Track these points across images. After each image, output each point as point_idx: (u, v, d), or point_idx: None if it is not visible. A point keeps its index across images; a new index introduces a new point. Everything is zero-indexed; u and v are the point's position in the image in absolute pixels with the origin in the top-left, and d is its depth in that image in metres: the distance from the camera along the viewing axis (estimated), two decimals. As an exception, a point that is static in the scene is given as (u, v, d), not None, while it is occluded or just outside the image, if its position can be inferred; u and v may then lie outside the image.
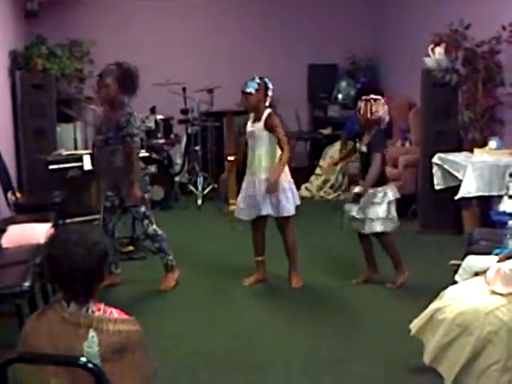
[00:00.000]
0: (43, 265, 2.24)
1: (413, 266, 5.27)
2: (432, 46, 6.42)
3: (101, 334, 2.06)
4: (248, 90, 4.86)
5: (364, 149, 4.94)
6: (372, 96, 4.94)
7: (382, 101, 4.93)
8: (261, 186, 4.92)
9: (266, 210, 4.94)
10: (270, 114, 4.93)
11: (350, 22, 9.35)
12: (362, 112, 4.89)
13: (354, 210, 4.96)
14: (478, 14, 6.26)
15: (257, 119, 4.97)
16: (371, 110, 4.86)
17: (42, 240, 4.54)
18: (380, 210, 4.91)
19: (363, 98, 4.95)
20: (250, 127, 5.03)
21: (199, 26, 9.15)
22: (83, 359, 1.92)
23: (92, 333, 2.06)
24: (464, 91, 6.28)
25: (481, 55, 6.03)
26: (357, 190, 4.89)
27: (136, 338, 2.16)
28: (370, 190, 4.89)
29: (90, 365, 1.90)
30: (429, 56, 6.47)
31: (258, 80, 4.89)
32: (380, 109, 4.88)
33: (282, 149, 4.86)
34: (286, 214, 4.97)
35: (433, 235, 6.32)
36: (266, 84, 4.94)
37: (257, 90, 4.86)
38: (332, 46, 9.23)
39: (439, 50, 6.37)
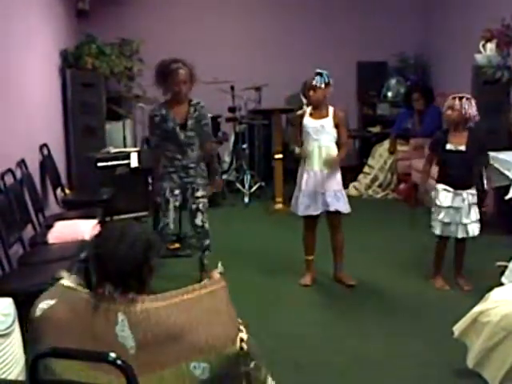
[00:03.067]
0: (92, 265, 2.26)
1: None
2: (483, 42, 6.30)
3: (129, 315, 2.06)
4: (319, 84, 4.83)
5: (462, 148, 4.76)
6: (464, 94, 4.76)
7: (473, 99, 4.75)
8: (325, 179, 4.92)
9: (333, 205, 4.91)
10: (336, 110, 4.96)
11: (400, 19, 9.22)
12: (456, 109, 4.72)
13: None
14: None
15: (321, 114, 4.94)
16: (467, 107, 4.68)
17: (86, 236, 4.62)
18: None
19: (455, 95, 4.75)
20: (314, 122, 4.95)
21: (247, 25, 9.16)
22: (113, 355, 1.90)
23: (121, 316, 2.06)
24: (516, 88, 6.15)
25: (533, 51, 5.91)
26: None
27: (171, 318, 2.07)
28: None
29: (119, 361, 1.89)
30: (480, 52, 6.34)
31: (327, 74, 4.87)
32: (474, 106, 4.71)
33: (340, 145, 4.94)
34: (343, 211, 4.96)
35: (481, 235, 6.15)
36: (330, 80, 4.91)
37: (326, 85, 4.86)
38: (381, 43, 9.13)
39: (490, 46, 6.25)
